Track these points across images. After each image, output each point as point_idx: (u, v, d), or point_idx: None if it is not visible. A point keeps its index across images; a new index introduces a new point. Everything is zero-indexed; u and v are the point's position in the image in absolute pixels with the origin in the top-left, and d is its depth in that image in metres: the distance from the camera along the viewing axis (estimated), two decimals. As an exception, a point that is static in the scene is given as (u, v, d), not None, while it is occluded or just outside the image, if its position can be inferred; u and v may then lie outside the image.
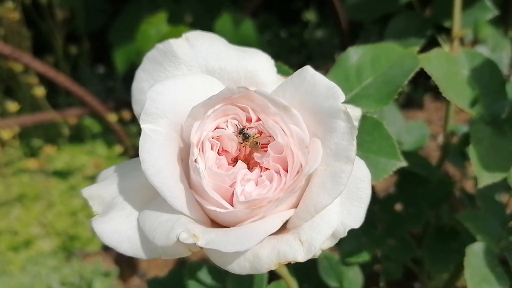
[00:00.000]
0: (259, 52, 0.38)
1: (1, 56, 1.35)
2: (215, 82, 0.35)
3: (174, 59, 0.36)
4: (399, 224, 0.70)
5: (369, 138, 0.46)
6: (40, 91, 1.25)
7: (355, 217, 0.31)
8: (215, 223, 0.33)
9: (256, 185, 0.32)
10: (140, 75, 0.36)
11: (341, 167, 0.30)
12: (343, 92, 0.50)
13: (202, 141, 0.32)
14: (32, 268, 1.21)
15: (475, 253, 0.56)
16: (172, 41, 0.35)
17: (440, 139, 1.73)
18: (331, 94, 0.32)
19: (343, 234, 0.31)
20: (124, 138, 1.35)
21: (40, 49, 1.54)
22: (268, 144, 0.33)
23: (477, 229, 0.58)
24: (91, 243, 1.29)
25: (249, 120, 0.33)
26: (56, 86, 1.31)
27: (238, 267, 0.31)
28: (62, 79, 1.17)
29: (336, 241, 0.31)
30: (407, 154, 0.75)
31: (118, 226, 0.33)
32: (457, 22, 0.74)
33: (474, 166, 0.53)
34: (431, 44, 0.76)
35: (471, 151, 0.54)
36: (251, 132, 0.33)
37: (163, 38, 1.24)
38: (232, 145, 0.34)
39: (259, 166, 0.34)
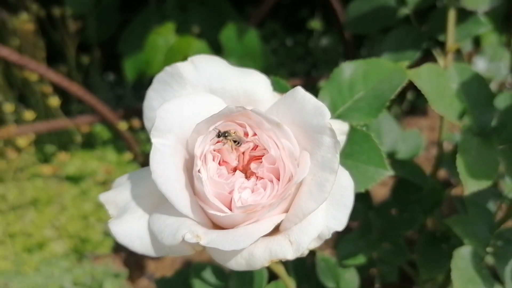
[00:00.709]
0: (256, 72, 0.42)
1: (17, 66, 1.41)
2: (217, 101, 0.40)
3: (181, 80, 0.40)
4: (394, 228, 0.73)
5: (359, 148, 0.50)
6: (55, 101, 1.30)
7: (339, 221, 0.36)
8: (216, 226, 0.38)
9: (252, 192, 0.37)
10: (150, 94, 0.41)
11: (326, 176, 0.35)
12: (336, 105, 0.55)
13: (205, 154, 0.37)
14: (45, 269, 1.26)
15: (462, 256, 0.59)
16: (179, 65, 0.40)
17: (443, 146, 1.76)
18: (318, 112, 0.36)
19: (328, 235, 0.35)
20: (133, 145, 1.41)
21: (53, 58, 1.60)
22: (263, 156, 0.38)
23: (465, 233, 0.62)
24: (101, 246, 1.34)
25: (246, 135, 0.38)
26: (68, 94, 1.36)
27: (235, 263, 0.35)
28: (75, 88, 1.22)
29: (321, 242, 0.35)
30: (402, 162, 0.79)
31: (131, 227, 0.37)
32: (451, 36, 0.78)
33: (461, 174, 0.57)
34: (428, 56, 0.80)
35: (458, 159, 0.58)
36: (228, 129, 0.37)
37: (171, 48, 1.29)
38: (231, 157, 0.38)
39: (255, 175, 0.38)
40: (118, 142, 1.54)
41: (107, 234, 1.31)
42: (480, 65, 1.04)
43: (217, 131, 0.37)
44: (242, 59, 1.22)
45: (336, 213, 0.36)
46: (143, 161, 1.45)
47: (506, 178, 0.77)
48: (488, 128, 0.63)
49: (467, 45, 1.16)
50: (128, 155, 1.45)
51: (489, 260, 0.63)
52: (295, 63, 1.99)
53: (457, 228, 0.62)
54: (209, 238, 0.33)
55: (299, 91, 0.37)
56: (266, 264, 0.34)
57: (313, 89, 0.44)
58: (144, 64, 1.36)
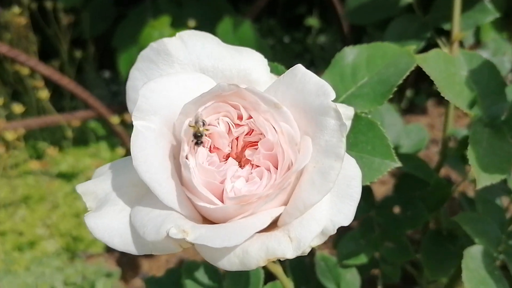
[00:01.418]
0: (252, 51, 0.38)
1: (8, 59, 1.37)
2: (208, 80, 0.36)
3: (168, 57, 0.36)
4: (397, 226, 0.70)
5: (364, 138, 0.46)
6: (44, 94, 1.27)
7: (345, 215, 0.31)
8: (207, 220, 0.34)
9: (247, 182, 0.33)
10: (134, 73, 0.37)
11: (330, 164, 0.30)
12: (339, 92, 0.51)
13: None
14: (36, 268, 1.22)
15: (473, 256, 0.56)
16: (166, 40, 0.36)
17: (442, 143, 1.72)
18: (321, 92, 0.32)
19: (333, 231, 0.31)
20: (127, 141, 1.36)
21: (46, 53, 1.56)
22: (259, 141, 0.33)
23: (475, 232, 0.58)
24: (94, 245, 1.30)
25: (240, 117, 0.34)
26: (61, 90, 1.32)
27: (228, 263, 0.31)
28: (66, 81, 1.18)
29: (325, 238, 0.31)
30: (405, 157, 0.75)
31: (110, 221, 0.33)
32: (457, 24, 0.74)
33: (473, 167, 0.53)
34: (431, 47, 0.76)
35: (469, 152, 0.54)
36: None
37: (166, 41, 1.25)
38: (224, 142, 0.34)
39: (250, 163, 0.34)
40: (112, 138, 1.50)
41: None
42: (483, 59, 1.01)
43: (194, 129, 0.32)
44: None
45: (341, 205, 0.32)
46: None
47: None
48: (499, 119, 0.59)
49: (469, 38, 1.13)
50: (121, 151, 1.41)
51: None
52: (293, 60, 1.96)
53: (466, 226, 0.58)
54: (197, 234, 0.29)
55: (300, 68, 0.33)
56: (263, 264, 0.30)
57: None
58: (138, 58, 1.32)
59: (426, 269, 0.68)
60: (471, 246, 0.56)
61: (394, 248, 0.69)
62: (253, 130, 0.34)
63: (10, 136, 1.16)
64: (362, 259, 0.68)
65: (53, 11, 1.47)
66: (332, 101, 0.32)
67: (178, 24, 1.32)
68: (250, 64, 0.37)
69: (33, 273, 1.16)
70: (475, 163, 0.53)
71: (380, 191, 1.31)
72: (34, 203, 1.37)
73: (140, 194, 0.35)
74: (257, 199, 0.31)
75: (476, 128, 0.56)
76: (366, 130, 0.46)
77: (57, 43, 1.53)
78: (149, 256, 1.26)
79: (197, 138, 0.32)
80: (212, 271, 0.58)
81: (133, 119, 0.32)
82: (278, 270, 0.48)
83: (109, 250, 1.29)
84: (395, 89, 0.47)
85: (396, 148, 0.77)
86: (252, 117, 0.33)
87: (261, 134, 0.33)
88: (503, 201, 0.76)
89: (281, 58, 1.89)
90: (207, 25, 1.31)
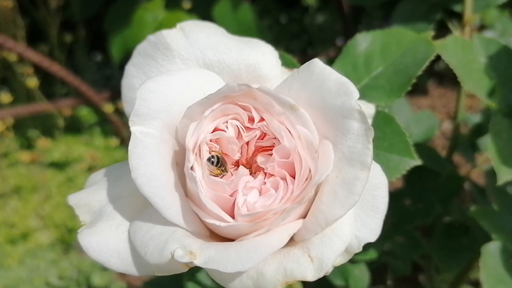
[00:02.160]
0: (261, 42, 0.34)
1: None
2: (213, 77, 0.32)
3: (168, 52, 0.32)
4: (407, 220, 0.66)
5: (380, 134, 0.42)
6: (32, 82, 1.21)
7: (371, 229, 0.28)
8: (215, 235, 0.30)
9: (260, 194, 0.29)
10: (130, 70, 0.33)
11: (355, 173, 0.27)
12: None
13: (199, 145, 0.29)
14: (30, 262, 1.19)
15: (491, 253, 0.53)
16: (165, 32, 0.32)
17: (445, 126, 1.69)
18: (343, 90, 0.28)
19: (358, 249, 0.28)
20: (121, 129, 1.32)
21: (35, 38, 1.50)
22: (273, 147, 0.30)
23: (492, 227, 0.55)
24: (89, 236, 1.27)
25: (251, 120, 0.30)
26: (52, 76, 1.27)
27: (240, 285, 0.27)
28: (57, 68, 1.13)
29: (350, 256, 0.28)
30: (415, 146, 0.72)
31: (107, 239, 0.29)
32: (469, 6, 0.70)
33: (493, 161, 0.50)
34: (440, 30, 0.72)
35: (489, 145, 0.51)
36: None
37: (160, 24, 1.20)
38: (233, 148, 0.30)
39: (263, 171, 0.30)
40: (106, 125, 1.45)
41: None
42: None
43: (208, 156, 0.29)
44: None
45: (367, 218, 0.28)
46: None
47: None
48: (517, 108, 0.56)
49: (475, 20, 1.09)
50: (115, 141, 1.37)
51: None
52: (290, 41, 1.91)
53: (483, 221, 0.55)
54: (206, 256, 0.26)
55: (317, 64, 0.29)
56: (280, 287, 0.26)
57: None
58: (131, 42, 1.26)
59: (438, 263, 0.66)
60: (489, 243, 0.54)
61: (405, 243, 0.66)
62: (265, 134, 0.30)
63: (-1, 127, 1.12)
64: (372, 254, 0.65)
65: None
66: (357, 95, 0.28)
67: (172, 6, 1.26)
68: (260, 58, 0.33)
69: (27, 267, 1.13)
70: (496, 157, 0.50)
71: (390, 182, 1.27)
72: (26, 193, 1.33)
73: (139, 206, 0.31)
74: (273, 214, 0.27)
75: (496, 119, 0.53)
76: (382, 125, 0.42)
77: (46, 26, 1.47)
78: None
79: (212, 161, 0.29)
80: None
81: (130, 125, 0.28)
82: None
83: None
84: (414, 80, 0.44)
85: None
86: (264, 120, 0.29)
87: (275, 138, 0.30)
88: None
89: (278, 38, 1.84)
90: (203, 6, 1.25)
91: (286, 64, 0.44)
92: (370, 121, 0.35)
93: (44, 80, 1.37)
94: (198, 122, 0.29)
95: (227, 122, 0.30)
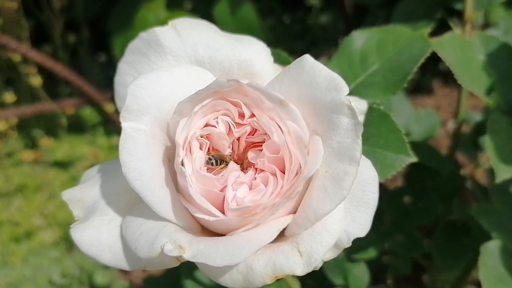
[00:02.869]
0: (253, 39, 0.34)
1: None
2: (205, 74, 0.32)
3: (160, 49, 0.32)
4: (408, 218, 0.66)
5: (376, 131, 0.42)
6: (36, 81, 1.22)
7: (361, 225, 0.28)
8: (206, 230, 0.30)
9: (250, 189, 0.29)
10: (123, 67, 0.33)
11: (344, 168, 0.27)
12: (347, 80, 0.47)
13: (189, 141, 0.29)
14: (34, 260, 1.20)
15: (491, 252, 0.53)
16: (157, 29, 0.32)
17: (450, 126, 1.68)
18: (333, 86, 0.28)
19: (347, 244, 0.28)
20: (124, 128, 1.32)
21: (39, 39, 1.51)
22: (263, 142, 0.30)
23: (492, 226, 0.55)
24: (92, 235, 1.27)
25: (241, 116, 0.30)
26: (55, 76, 1.28)
27: (230, 280, 0.27)
28: (59, 68, 1.13)
29: (339, 251, 0.28)
30: (416, 145, 0.71)
31: (99, 233, 0.29)
32: (470, 3, 0.70)
33: (491, 159, 0.50)
34: (441, 28, 0.72)
35: (487, 143, 0.51)
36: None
37: (161, 23, 1.20)
38: (224, 144, 0.31)
39: (254, 167, 0.30)
40: (109, 125, 1.46)
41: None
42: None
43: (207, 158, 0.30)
44: (237, 35, 1.13)
45: (356, 214, 0.28)
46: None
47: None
48: (517, 106, 0.55)
49: (479, 18, 1.08)
50: (118, 139, 1.38)
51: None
52: (293, 41, 1.90)
53: (483, 219, 0.55)
54: (195, 250, 0.26)
55: (308, 60, 0.30)
56: (270, 281, 0.26)
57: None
58: (133, 42, 1.27)
59: (438, 263, 0.66)
60: (488, 242, 0.53)
61: (405, 242, 0.66)
62: (256, 130, 0.30)
63: (1, 126, 1.13)
64: (371, 253, 0.64)
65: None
66: (347, 91, 0.28)
67: (174, 6, 1.27)
68: (252, 55, 0.33)
69: (30, 265, 1.14)
70: (494, 154, 0.50)
71: (390, 181, 1.27)
72: (30, 192, 1.34)
73: (131, 202, 0.31)
74: (262, 209, 0.27)
75: (494, 117, 0.53)
76: (378, 123, 0.42)
77: (50, 27, 1.48)
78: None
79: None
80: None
81: (121, 120, 0.28)
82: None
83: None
84: (409, 77, 0.44)
85: (406, 135, 0.73)
86: (255, 116, 0.30)
87: (266, 134, 0.30)
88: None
89: (281, 38, 1.83)
90: (204, 6, 1.25)
91: (283, 62, 0.44)
92: (362, 117, 0.35)
93: (48, 80, 1.38)
94: (188, 118, 0.29)
95: (217, 118, 0.30)
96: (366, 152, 0.41)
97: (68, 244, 1.27)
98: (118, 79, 0.33)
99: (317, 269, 0.27)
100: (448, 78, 1.98)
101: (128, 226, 0.29)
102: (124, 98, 0.31)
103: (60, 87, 1.48)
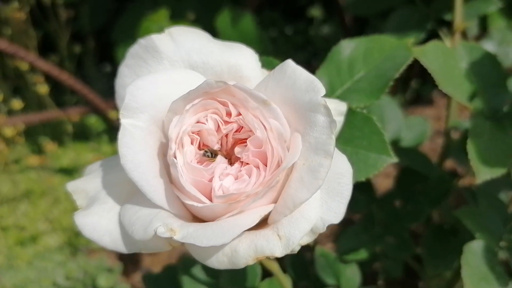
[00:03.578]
0: (243, 46, 0.37)
1: (7, 55, 1.36)
2: (198, 77, 0.35)
3: (157, 54, 0.35)
4: (398, 221, 0.69)
5: (359, 133, 0.45)
6: (43, 89, 1.26)
7: (335, 213, 0.31)
8: (196, 218, 0.33)
9: (235, 180, 0.32)
10: (123, 70, 0.36)
11: (319, 161, 0.30)
12: (335, 86, 0.50)
13: (181, 136, 0.32)
14: (39, 263, 1.23)
15: (474, 251, 0.55)
16: (155, 37, 0.35)
17: (450, 134, 1.70)
18: (311, 88, 0.31)
19: (322, 229, 0.31)
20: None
21: (46, 49, 1.56)
22: (248, 138, 0.33)
23: (476, 226, 0.57)
24: (95, 240, 1.30)
25: (229, 114, 0.33)
26: (62, 85, 1.32)
27: (216, 261, 0.30)
28: (65, 77, 1.18)
29: (315, 236, 0.31)
30: (406, 151, 0.75)
31: (99, 220, 0.33)
32: (458, 14, 0.73)
33: (472, 161, 0.53)
34: (434, 38, 0.75)
35: (469, 145, 0.53)
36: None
37: (165, 35, 1.24)
38: (212, 139, 0.34)
39: (240, 161, 0.33)
40: (113, 133, 1.49)
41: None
42: (488, 49, 0.99)
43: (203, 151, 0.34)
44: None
45: (332, 203, 0.31)
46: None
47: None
48: (500, 111, 0.58)
49: (473, 29, 1.11)
50: (122, 146, 1.41)
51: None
52: (295, 52, 1.94)
53: (467, 220, 0.57)
54: (184, 232, 0.29)
55: (289, 64, 0.33)
56: (252, 262, 0.29)
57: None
58: (138, 52, 1.31)
59: (426, 264, 0.68)
60: (472, 241, 0.55)
61: (395, 243, 0.68)
62: (242, 127, 0.33)
63: (9, 132, 1.16)
64: (362, 254, 0.67)
65: (52, 6, 1.47)
66: (322, 97, 0.31)
67: (177, 17, 1.31)
68: (241, 60, 0.36)
69: (35, 268, 1.17)
70: (475, 157, 0.52)
71: (384, 185, 1.29)
72: (36, 198, 1.37)
73: (130, 193, 0.34)
74: (245, 197, 0.30)
75: (477, 121, 0.55)
76: (361, 125, 0.45)
77: (56, 38, 1.53)
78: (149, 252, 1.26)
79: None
80: (209, 267, 0.57)
81: (120, 117, 0.32)
82: (274, 266, 0.48)
83: (111, 244, 1.29)
84: (391, 83, 0.47)
85: (397, 141, 0.76)
86: (241, 114, 0.33)
87: (250, 131, 0.33)
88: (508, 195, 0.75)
89: (283, 50, 1.87)
90: (206, 17, 1.30)
91: (273, 68, 0.47)
92: (341, 118, 0.38)
93: (54, 89, 1.42)
94: (180, 116, 0.32)
95: (207, 116, 0.33)
96: (350, 153, 0.45)
97: (72, 248, 1.30)
98: (119, 81, 0.36)
99: (295, 252, 0.30)
100: (447, 89, 2.00)
101: (126, 212, 0.32)
102: (124, 98, 0.34)
103: (66, 96, 1.52)
